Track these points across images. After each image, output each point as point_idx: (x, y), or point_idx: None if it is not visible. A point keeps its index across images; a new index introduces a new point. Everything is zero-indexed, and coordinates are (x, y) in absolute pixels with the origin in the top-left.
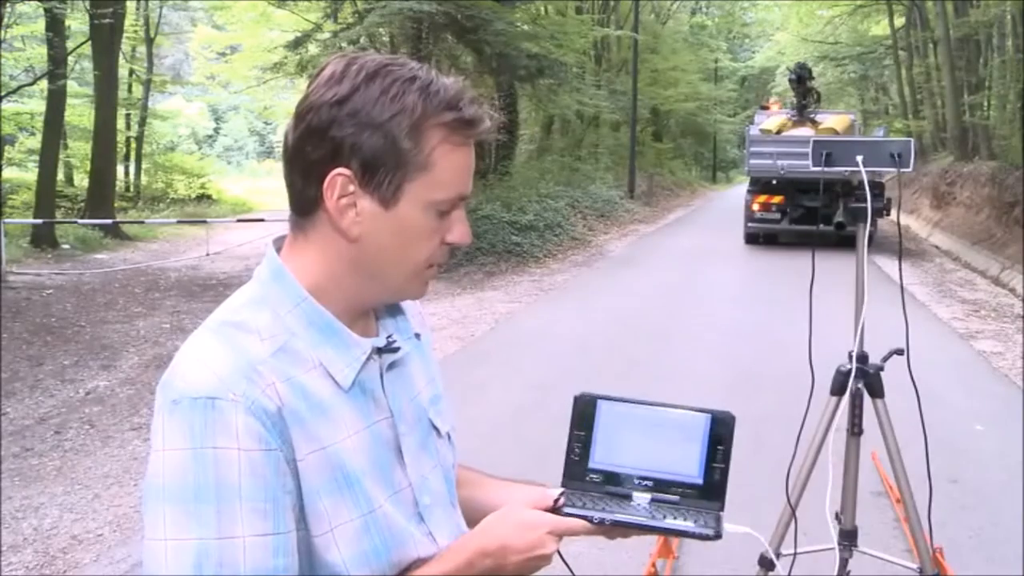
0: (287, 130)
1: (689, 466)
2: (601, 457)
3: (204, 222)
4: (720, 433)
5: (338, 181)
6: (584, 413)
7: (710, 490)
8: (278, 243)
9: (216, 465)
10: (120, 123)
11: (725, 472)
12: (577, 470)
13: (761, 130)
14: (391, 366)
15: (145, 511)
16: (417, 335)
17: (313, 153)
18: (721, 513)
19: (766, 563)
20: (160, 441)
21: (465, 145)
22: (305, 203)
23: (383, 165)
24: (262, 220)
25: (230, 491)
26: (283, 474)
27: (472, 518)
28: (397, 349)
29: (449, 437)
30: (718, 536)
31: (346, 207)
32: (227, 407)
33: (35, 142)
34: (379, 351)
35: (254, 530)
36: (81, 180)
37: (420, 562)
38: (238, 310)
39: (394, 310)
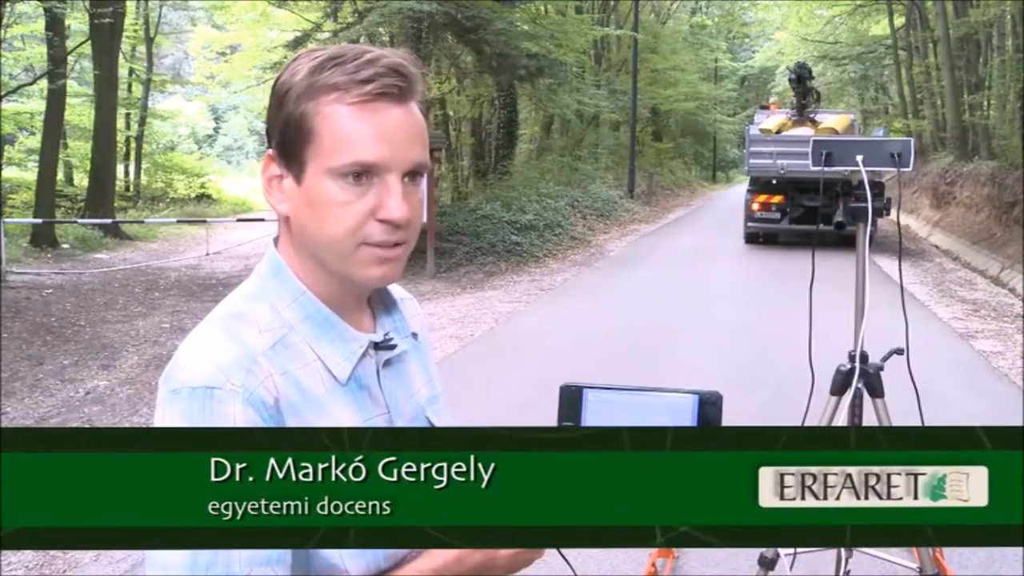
0: None
1: None
2: None
3: (204, 222)
4: (708, 413)
5: (265, 161)
6: (571, 404)
7: None
8: (277, 240)
9: None
10: (120, 123)
11: None
12: None
13: (761, 130)
14: (388, 363)
15: None
16: (414, 335)
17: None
18: None
19: (766, 562)
20: None
21: (360, 106)
22: None
23: (290, 139)
24: (262, 220)
25: None
26: None
27: None
28: (394, 346)
29: None
30: None
31: (273, 187)
32: (225, 397)
33: (35, 142)
34: (376, 347)
35: None
36: (81, 180)
37: (415, 555)
38: (238, 303)
39: (391, 309)
